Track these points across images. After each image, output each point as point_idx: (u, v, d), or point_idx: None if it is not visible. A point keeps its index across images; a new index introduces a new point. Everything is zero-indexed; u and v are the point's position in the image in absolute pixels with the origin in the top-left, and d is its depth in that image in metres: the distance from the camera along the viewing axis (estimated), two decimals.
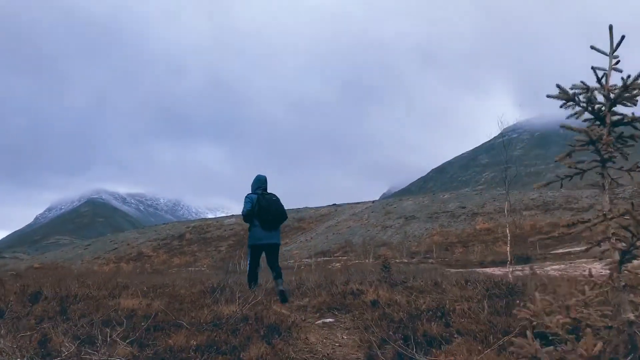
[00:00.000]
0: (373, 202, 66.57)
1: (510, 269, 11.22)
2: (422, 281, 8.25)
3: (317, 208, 66.27)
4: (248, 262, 7.49)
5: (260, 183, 7.45)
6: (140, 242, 58.47)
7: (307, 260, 35.93)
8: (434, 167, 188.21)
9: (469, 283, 7.73)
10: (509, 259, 11.79)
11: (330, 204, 69.78)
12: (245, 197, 7.32)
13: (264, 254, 7.45)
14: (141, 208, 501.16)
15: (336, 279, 8.82)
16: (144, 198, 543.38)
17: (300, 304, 6.76)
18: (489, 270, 16.88)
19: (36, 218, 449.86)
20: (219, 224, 63.57)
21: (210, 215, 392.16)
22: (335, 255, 38.69)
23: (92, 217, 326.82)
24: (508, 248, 11.98)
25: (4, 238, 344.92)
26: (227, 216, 77.92)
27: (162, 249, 54.91)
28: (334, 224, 52.45)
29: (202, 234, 59.42)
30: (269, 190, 7.48)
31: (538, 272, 11.27)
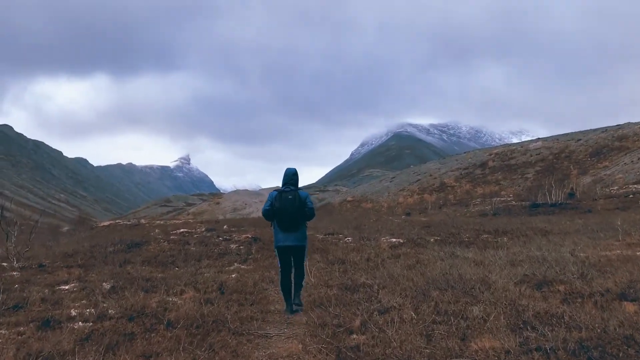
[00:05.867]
0: None
1: None
2: None
3: None
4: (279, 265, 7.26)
5: (286, 178, 7.03)
6: (442, 172, 58.14)
7: (634, 186, 29.99)
8: None
9: None
10: None
11: None
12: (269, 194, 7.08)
13: None
14: (444, 137, 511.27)
15: None
16: (445, 127, 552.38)
17: None
18: None
19: (352, 154, 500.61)
20: (524, 149, 58.80)
21: (514, 140, 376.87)
22: None
23: (399, 150, 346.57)
24: None
25: (327, 173, 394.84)
26: (532, 140, 71.86)
27: (465, 178, 53.52)
28: None
29: (505, 160, 55.88)
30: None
31: None
